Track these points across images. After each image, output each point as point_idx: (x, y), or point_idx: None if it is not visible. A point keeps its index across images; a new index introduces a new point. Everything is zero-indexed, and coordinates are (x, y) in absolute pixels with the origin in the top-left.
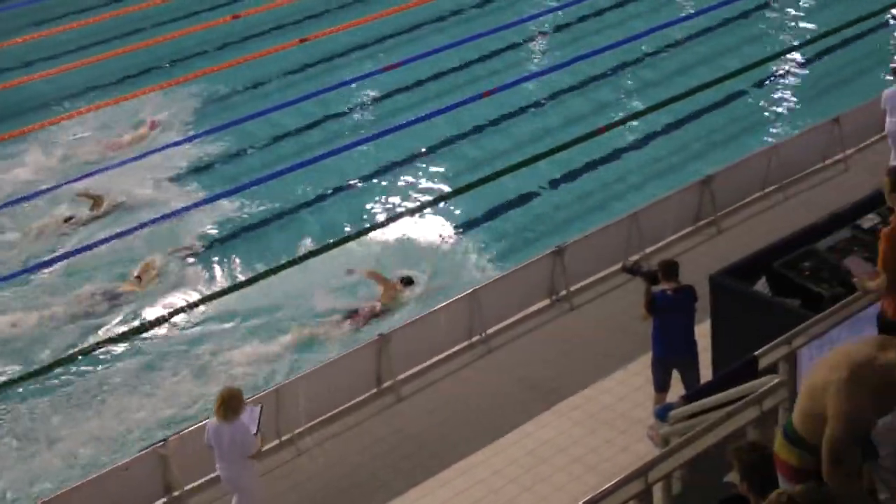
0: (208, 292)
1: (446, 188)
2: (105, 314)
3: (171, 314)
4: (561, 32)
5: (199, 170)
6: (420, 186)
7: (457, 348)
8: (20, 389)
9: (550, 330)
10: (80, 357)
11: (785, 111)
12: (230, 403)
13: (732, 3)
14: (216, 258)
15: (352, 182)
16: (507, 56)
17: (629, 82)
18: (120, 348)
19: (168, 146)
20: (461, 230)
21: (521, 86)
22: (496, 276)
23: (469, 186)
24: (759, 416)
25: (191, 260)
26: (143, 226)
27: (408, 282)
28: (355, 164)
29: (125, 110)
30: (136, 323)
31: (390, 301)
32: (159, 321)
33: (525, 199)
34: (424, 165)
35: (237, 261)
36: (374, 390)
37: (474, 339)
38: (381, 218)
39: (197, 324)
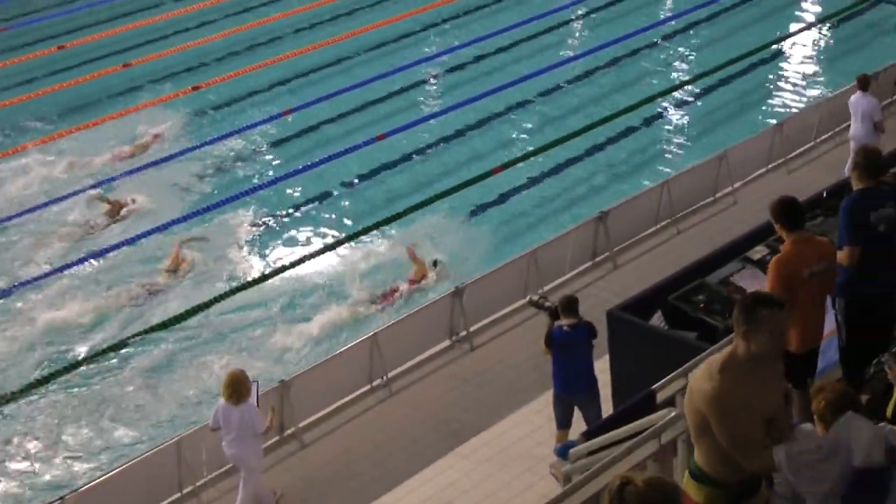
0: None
1: (338, 234)
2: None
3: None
4: (452, 74)
5: None
6: (312, 231)
7: (359, 392)
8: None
9: (452, 370)
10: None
11: (675, 147)
12: (237, 387)
13: (619, 43)
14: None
15: (253, 226)
16: (400, 100)
17: (519, 124)
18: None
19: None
20: (360, 272)
21: (414, 128)
22: (396, 319)
23: (362, 232)
24: (658, 449)
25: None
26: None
27: (435, 264)
28: (254, 209)
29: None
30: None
31: (420, 279)
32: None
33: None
34: (311, 213)
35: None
36: (277, 437)
37: (376, 382)
38: (274, 265)
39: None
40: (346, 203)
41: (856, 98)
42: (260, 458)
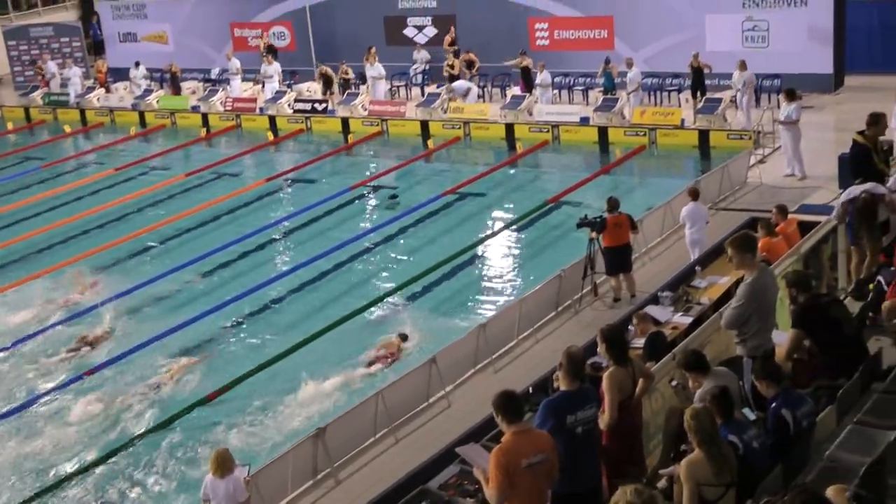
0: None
1: None
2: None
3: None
4: (163, 301)
5: None
6: None
7: None
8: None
9: None
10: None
11: None
12: (222, 462)
13: (323, 258)
14: None
15: None
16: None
17: (235, 344)
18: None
19: None
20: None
21: (121, 361)
22: None
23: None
24: None
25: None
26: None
27: (404, 338)
28: None
29: None
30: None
31: (397, 353)
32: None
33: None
34: None
35: None
36: None
37: None
38: None
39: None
40: None
41: (689, 208)
42: None
